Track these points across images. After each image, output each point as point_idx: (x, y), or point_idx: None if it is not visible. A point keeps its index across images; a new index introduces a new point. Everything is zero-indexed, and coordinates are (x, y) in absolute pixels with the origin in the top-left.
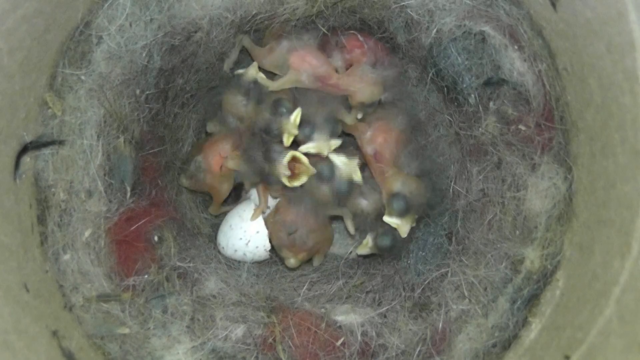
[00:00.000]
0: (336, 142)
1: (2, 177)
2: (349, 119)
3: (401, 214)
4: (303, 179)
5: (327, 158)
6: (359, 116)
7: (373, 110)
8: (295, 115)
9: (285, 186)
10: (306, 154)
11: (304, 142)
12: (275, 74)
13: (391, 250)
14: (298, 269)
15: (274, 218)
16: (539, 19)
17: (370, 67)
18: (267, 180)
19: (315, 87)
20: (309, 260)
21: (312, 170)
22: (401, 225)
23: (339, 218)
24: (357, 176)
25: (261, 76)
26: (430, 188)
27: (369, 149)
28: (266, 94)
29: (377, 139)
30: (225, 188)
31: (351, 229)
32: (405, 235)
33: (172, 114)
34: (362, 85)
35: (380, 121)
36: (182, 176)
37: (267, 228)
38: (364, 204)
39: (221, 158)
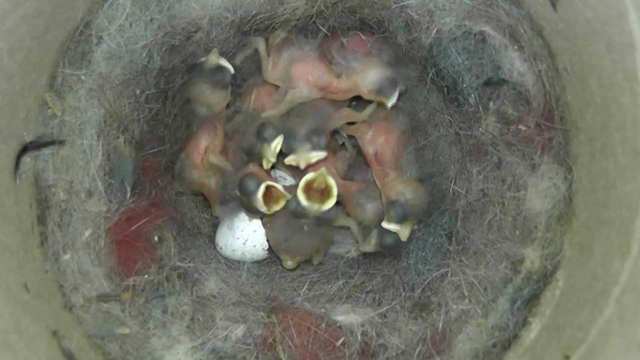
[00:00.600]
0: (318, 155)
1: (2, 177)
2: (356, 117)
3: (399, 221)
4: (281, 204)
5: (295, 195)
6: (389, 103)
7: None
8: (276, 145)
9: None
10: (290, 166)
11: (287, 154)
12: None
13: (395, 249)
14: (298, 269)
15: (271, 223)
16: (539, 19)
17: (365, 55)
18: (247, 210)
19: (318, 96)
20: (308, 260)
21: (288, 195)
22: (401, 230)
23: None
24: (327, 206)
25: (223, 63)
26: (430, 192)
27: (370, 149)
28: (229, 78)
29: (378, 139)
30: (214, 183)
31: (359, 238)
32: (406, 239)
33: (172, 114)
34: (363, 72)
35: (381, 122)
36: (174, 181)
37: (265, 228)
38: (364, 213)
39: (200, 153)
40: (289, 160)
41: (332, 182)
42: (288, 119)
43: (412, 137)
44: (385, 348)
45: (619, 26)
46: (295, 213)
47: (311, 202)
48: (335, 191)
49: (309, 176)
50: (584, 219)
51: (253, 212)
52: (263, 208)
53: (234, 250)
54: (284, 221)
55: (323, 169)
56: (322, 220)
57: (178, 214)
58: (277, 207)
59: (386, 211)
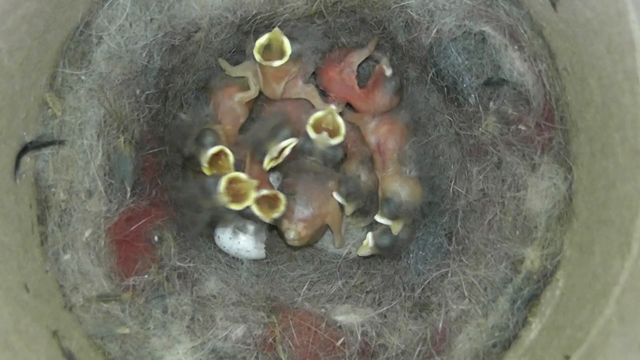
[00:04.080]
0: (288, 142)
1: (2, 177)
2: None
3: (392, 218)
4: (251, 197)
5: (305, 134)
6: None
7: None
8: (212, 152)
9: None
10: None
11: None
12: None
13: (391, 250)
14: (298, 269)
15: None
16: (539, 19)
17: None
18: (219, 214)
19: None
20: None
21: (254, 182)
22: (392, 225)
23: None
24: (335, 140)
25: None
26: (428, 192)
27: (372, 139)
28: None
29: (380, 129)
30: None
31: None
32: (397, 234)
33: (172, 114)
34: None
35: (384, 114)
36: None
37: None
38: (362, 175)
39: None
40: (267, 164)
41: (340, 120)
42: (250, 131)
43: (414, 132)
44: (385, 348)
45: (619, 26)
46: (302, 150)
47: (320, 135)
48: (343, 130)
49: (318, 114)
50: (584, 219)
51: (223, 214)
52: (226, 199)
53: (230, 238)
54: (288, 180)
55: (332, 107)
56: (328, 157)
57: (178, 213)
58: (247, 203)
59: (380, 205)
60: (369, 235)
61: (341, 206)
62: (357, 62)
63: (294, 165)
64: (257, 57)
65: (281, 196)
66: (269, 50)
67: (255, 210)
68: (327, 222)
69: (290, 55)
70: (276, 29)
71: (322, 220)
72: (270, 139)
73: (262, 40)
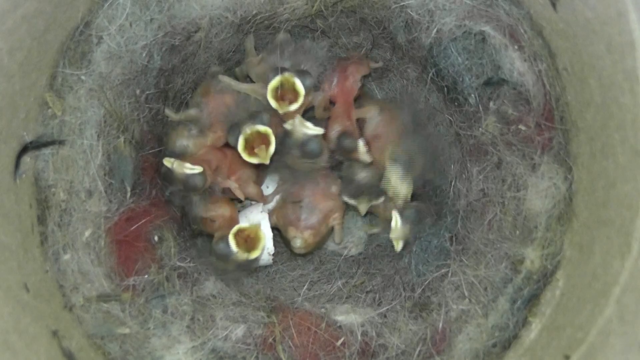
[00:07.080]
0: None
1: (2, 177)
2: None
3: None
4: (262, 239)
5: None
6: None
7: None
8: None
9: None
10: None
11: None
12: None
13: (420, 222)
14: (298, 269)
15: (280, 197)
16: (539, 19)
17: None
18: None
19: None
20: (310, 260)
21: (257, 225)
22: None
23: None
24: (314, 129)
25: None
26: (428, 197)
27: (369, 130)
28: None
29: (380, 122)
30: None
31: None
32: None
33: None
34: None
35: (385, 112)
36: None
37: (272, 215)
38: (360, 175)
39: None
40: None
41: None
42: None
43: (413, 132)
44: (385, 348)
45: (619, 26)
46: (282, 143)
47: (291, 122)
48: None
49: (273, 81)
50: (584, 219)
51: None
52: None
53: None
54: (293, 189)
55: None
56: (307, 149)
57: (178, 213)
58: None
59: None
60: (394, 213)
61: (348, 205)
62: (358, 77)
63: (283, 165)
64: (273, 103)
65: (261, 235)
66: (281, 88)
67: (233, 245)
68: (332, 224)
69: (305, 90)
70: (286, 73)
71: (327, 226)
72: (246, 121)
73: (274, 83)
